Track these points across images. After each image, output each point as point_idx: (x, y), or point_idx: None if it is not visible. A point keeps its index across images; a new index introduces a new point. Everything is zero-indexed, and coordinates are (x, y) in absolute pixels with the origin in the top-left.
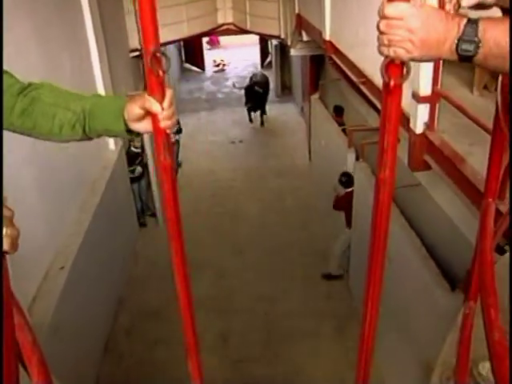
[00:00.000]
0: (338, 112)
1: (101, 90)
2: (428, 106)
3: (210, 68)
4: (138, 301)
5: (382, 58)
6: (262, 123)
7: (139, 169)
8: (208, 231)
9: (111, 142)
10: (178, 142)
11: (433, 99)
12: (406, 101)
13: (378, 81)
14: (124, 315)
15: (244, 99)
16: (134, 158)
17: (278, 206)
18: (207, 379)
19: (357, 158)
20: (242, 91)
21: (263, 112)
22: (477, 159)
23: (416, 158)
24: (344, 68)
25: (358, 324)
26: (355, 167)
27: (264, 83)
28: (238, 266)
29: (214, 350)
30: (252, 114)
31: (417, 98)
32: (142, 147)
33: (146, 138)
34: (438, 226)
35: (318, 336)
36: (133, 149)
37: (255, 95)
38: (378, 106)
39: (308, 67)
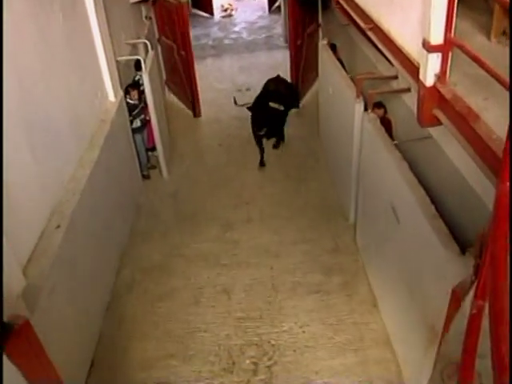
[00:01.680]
0: (332, 49)
1: (97, 38)
2: (440, 55)
3: (217, 13)
4: (140, 255)
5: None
6: (277, 145)
7: (138, 122)
8: (214, 182)
9: (110, 93)
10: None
11: (445, 48)
12: (416, 49)
13: (386, 26)
14: (126, 269)
15: (250, 119)
16: (131, 109)
17: (284, 154)
18: (210, 335)
19: (365, 109)
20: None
21: (281, 138)
22: (492, 115)
23: (425, 113)
24: (351, 13)
25: (365, 279)
26: (363, 118)
27: (285, 95)
28: (244, 219)
29: (217, 306)
30: (263, 140)
31: (427, 47)
32: (140, 99)
33: (148, 91)
34: (449, 183)
35: (323, 292)
36: (129, 100)
37: (271, 116)
38: (385, 52)
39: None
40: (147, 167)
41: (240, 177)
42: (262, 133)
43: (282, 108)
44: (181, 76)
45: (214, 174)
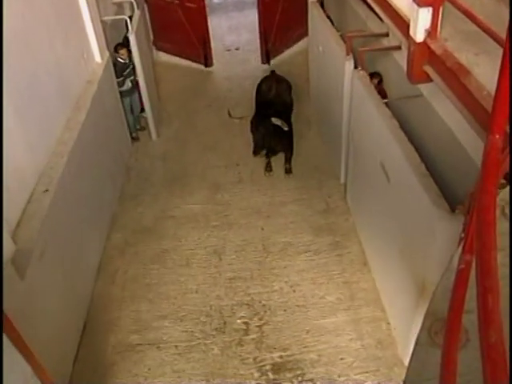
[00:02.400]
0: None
1: None
2: (430, 10)
3: None
4: (131, 218)
5: None
6: (289, 170)
7: (128, 83)
8: (204, 144)
9: (97, 54)
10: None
11: (436, 2)
12: (406, 4)
13: None
14: (117, 232)
15: (251, 137)
16: (121, 69)
17: None
18: (201, 296)
19: (355, 66)
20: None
21: (290, 155)
22: (483, 71)
23: (415, 69)
24: None
25: (355, 238)
26: (353, 76)
27: (287, 102)
28: (234, 179)
29: (208, 267)
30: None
31: (418, 1)
32: (130, 58)
33: (135, 51)
34: (439, 141)
35: (314, 252)
36: (119, 59)
37: (274, 132)
38: (375, 8)
39: None
40: (136, 129)
41: (230, 138)
42: (265, 149)
43: (286, 128)
44: (185, 31)
45: (203, 136)
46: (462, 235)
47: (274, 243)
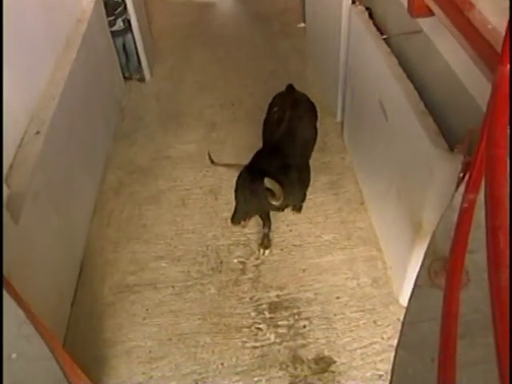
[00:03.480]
0: None
1: None
2: None
3: None
4: (125, 158)
5: None
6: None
7: (120, 23)
8: (198, 83)
9: None
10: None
11: None
12: None
13: None
14: (111, 174)
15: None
16: (112, 8)
17: (270, 52)
18: (197, 236)
19: (352, 1)
20: None
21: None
22: (488, 3)
23: (416, 3)
24: None
25: (352, 178)
26: (351, 11)
27: (306, 141)
28: (229, 118)
29: (204, 206)
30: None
31: None
32: None
33: None
34: (439, 80)
35: (310, 191)
36: None
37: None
38: None
39: None
40: (136, 78)
41: (225, 77)
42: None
43: (276, 202)
44: None
45: (198, 75)
46: (461, 175)
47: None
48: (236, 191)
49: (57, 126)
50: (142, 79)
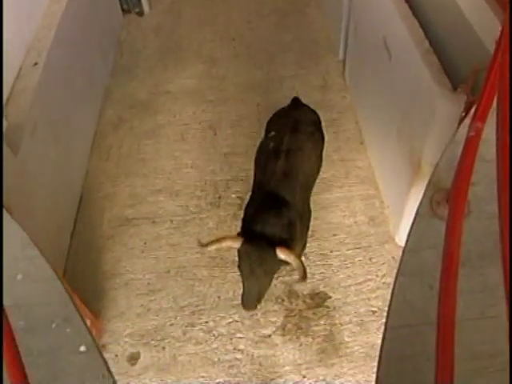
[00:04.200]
0: None
1: None
2: None
3: None
4: (124, 93)
5: None
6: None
7: None
8: (199, 17)
9: None
10: None
11: None
12: None
13: None
14: (110, 108)
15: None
16: None
17: None
18: (196, 171)
19: None
20: None
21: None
22: None
23: None
24: None
25: (352, 116)
26: None
27: (308, 177)
28: (230, 54)
29: (203, 142)
30: None
31: None
32: None
33: None
34: (445, 18)
35: None
36: None
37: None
38: None
39: None
40: (135, 11)
41: (226, 12)
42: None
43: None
44: None
45: (198, 9)
46: (463, 114)
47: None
48: (242, 270)
49: (54, 58)
50: (140, 13)
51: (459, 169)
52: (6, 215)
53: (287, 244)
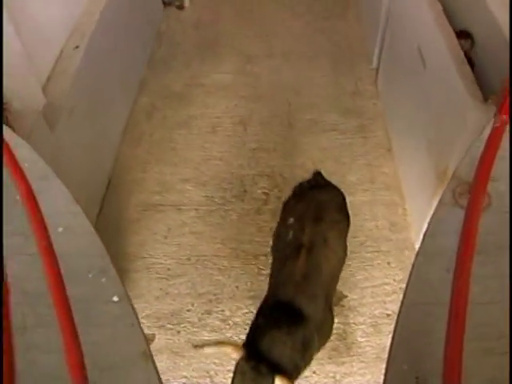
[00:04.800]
0: None
1: None
2: None
3: None
4: (160, 83)
5: None
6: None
7: None
8: (237, 14)
9: None
10: None
11: None
12: None
13: None
14: (145, 97)
15: None
16: None
17: None
18: (224, 164)
19: None
20: None
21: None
22: None
23: None
24: None
25: (382, 124)
26: None
27: (330, 276)
28: (265, 52)
29: (233, 136)
30: None
31: None
32: None
33: None
34: (482, 30)
35: (339, 131)
36: None
37: None
38: None
39: None
40: (176, 4)
41: (264, 10)
42: None
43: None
44: None
45: (237, 5)
46: (497, 125)
47: (300, 119)
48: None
49: (95, 43)
50: (181, 6)
51: (482, 157)
52: (51, 174)
53: (291, 374)
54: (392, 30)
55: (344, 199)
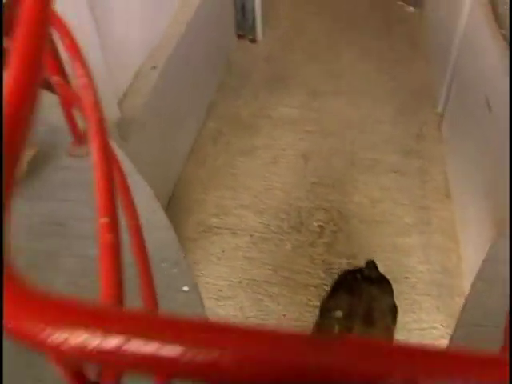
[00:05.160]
0: None
1: None
2: None
3: None
4: (228, 109)
5: None
6: None
7: None
8: (308, 51)
9: None
10: None
11: None
12: None
13: None
14: (212, 122)
15: None
16: None
17: (383, 33)
18: (283, 194)
19: None
20: None
21: None
22: None
23: None
24: None
25: (443, 168)
26: (473, 1)
27: None
28: (332, 90)
29: (294, 168)
30: None
31: None
32: None
33: None
34: None
35: (400, 173)
36: None
37: None
38: None
39: None
40: (249, 38)
41: (335, 48)
42: None
43: None
44: None
45: (309, 42)
46: None
47: (361, 158)
48: None
49: (171, 65)
50: (253, 40)
51: None
52: (134, 171)
53: None
54: (459, 76)
55: (392, 296)
